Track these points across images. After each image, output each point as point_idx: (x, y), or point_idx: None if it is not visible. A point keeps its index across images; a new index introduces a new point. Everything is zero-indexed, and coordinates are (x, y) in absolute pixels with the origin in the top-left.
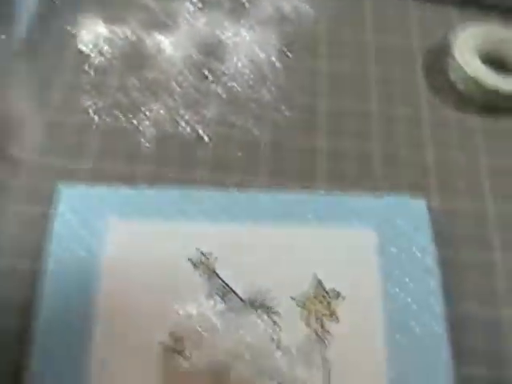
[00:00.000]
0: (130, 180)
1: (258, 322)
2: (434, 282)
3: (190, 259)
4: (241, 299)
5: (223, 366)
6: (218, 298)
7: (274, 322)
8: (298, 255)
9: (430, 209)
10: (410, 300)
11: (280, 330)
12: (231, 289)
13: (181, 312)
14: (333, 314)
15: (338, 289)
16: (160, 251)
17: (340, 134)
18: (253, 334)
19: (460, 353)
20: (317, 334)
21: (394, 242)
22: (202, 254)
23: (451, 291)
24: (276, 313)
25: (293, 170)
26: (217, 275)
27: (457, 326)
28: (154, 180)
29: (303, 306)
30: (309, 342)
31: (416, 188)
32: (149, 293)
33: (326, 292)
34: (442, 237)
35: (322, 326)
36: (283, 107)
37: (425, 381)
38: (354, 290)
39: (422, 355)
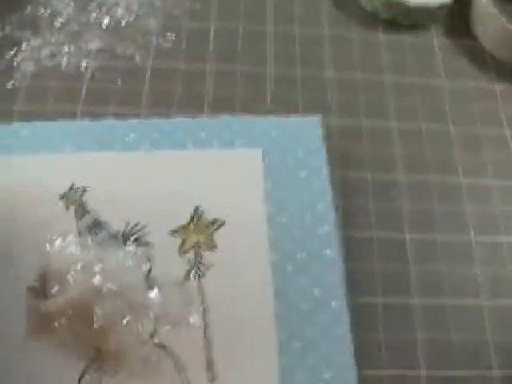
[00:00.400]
0: (6, 117)
1: (130, 257)
2: (324, 207)
3: (60, 195)
4: (112, 235)
5: (89, 305)
6: (89, 235)
7: (148, 257)
8: (178, 184)
9: (327, 129)
10: (297, 229)
11: (154, 264)
12: (103, 225)
13: (49, 250)
14: (212, 245)
15: (219, 217)
16: (28, 187)
17: (231, 57)
18: (123, 269)
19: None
20: (195, 266)
21: (283, 164)
22: (73, 188)
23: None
24: (151, 247)
25: (178, 97)
26: (88, 212)
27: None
28: (32, 115)
29: (181, 238)
30: (186, 276)
31: (314, 110)
32: (17, 230)
33: (208, 223)
34: (340, 157)
35: (201, 258)
36: (169, 34)
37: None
38: (238, 217)
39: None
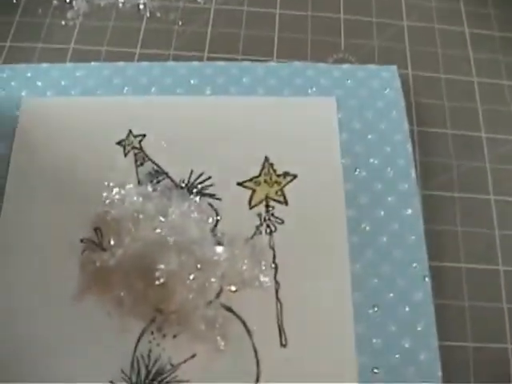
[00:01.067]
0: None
1: (195, 209)
2: (404, 162)
3: (118, 140)
4: (175, 185)
5: (151, 259)
6: (150, 184)
7: (215, 210)
8: (247, 132)
9: (404, 80)
10: (377, 184)
11: (221, 218)
12: (164, 173)
13: (106, 198)
14: (284, 199)
15: (291, 170)
16: (84, 130)
17: (303, 2)
18: (189, 221)
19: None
20: (266, 221)
21: (361, 115)
22: (132, 134)
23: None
24: (217, 199)
25: (244, 41)
26: (148, 159)
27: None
28: (87, 56)
29: (251, 191)
30: (255, 231)
31: (390, 60)
32: (72, 177)
33: (278, 175)
34: (418, 110)
35: (272, 212)
36: None
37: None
38: (311, 170)
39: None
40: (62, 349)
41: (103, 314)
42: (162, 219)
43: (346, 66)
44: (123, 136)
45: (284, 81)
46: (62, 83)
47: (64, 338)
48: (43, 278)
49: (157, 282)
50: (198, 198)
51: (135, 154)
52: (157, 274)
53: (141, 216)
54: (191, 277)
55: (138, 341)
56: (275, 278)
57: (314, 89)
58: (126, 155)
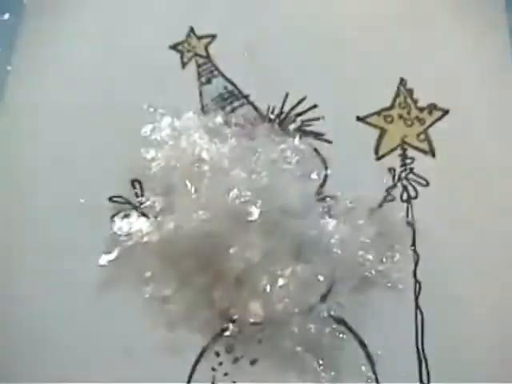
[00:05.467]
0: None
1: (292, 155)
2: None
3: (174, 46)
4: (261, 114)
5: (220, 240)
6: (220, 111)
7: (323, 159)
8: (373, 39)
9: None
10: None
11: (331, 173)
12: (244, 96)
13: (151, 135)
14: (430, 146)
15: (439, 102)
16: (119, 31)
17: None
18: (281, 178)
19: None
20: (401, 179)
21: None
22: (195, 35)
23: None
24: (327, 142)
25: None
26: (220, 72)
27: None
28: None
29: (378, 131)
30: (386, 195)
31: None
32: (95, 99)
33: (421, 108)
34: None
35: (412, 165)
36: None
37: None
38: (469, 103)
39: None
40: (72, 368)
41: (139, 319)
42: (238, 174)
43: None
44: (181, 36)
45: None
46: None
47: (76, 352)
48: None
49: (229, 277)
50: (296, 139)
51: (199, 66)
52: (229, 263)
53: (205, 167)
54: (284, 271)
55: (195, 366)
56: (415, 274)
57: None
58: (184, 66)
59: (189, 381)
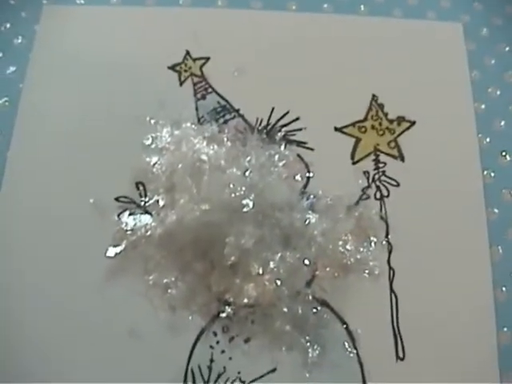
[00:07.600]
0: None
1: (278, 161)
2: None
3: (172, 66)
4: (250, 126)
5: (216, 230)
6: (215, 123)
7: (306, 164)
8: (348, 61)
9: None
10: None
11: (314, 176)
12: (235, 110)
13: (153, 143)
14: (399, 152)
15: (406, 115)
16: (125, 53)
17: None
18: (269, 179)
19: None
20: (375, 181)
21: (495, 49)
22: (191, 57)
23: None
24: (309, 149)
25: None
26: (212, 89)
27: None
28: None
29: (354, 140)
30: (361, 195)
31: None
32: (105, 112)
33: (391, 120)
34: None
35: (384, 169)
36: None
37: None
38: (434, 116)
39: None
40: (85, 349)
41: (143, 304)
42: (232, 174)
43: None
44: (179, 59)
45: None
46: None
47: (87, 334)
48: (61, 253)
49: (224, 263)
50: (282, 147)
51: (194, 84)
52: (225, 251)
53: (205, 166)
54: (274, 256)
55: (195, 345)
56: (389, 261)
57: (434, 11)
58: (181, 84)
59: (189, 358)
